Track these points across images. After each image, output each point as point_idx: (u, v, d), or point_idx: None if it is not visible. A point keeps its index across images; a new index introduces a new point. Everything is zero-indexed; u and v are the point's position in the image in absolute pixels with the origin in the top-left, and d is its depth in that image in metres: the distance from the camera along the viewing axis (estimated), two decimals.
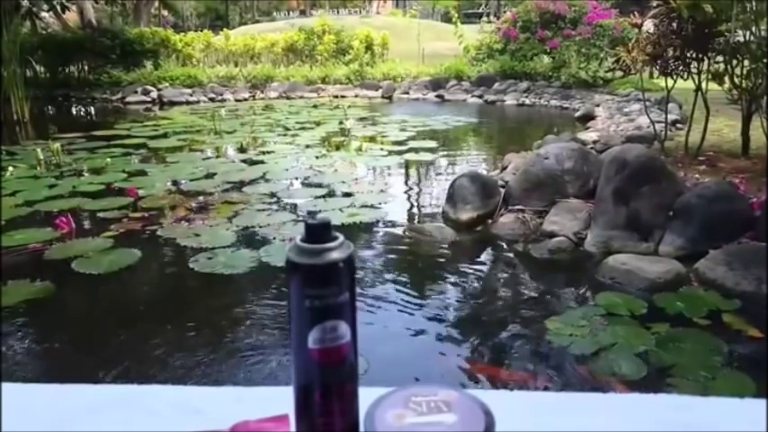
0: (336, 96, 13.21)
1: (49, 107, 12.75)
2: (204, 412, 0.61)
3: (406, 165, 6.35)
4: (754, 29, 4.77)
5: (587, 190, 4.13)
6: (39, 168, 5.93)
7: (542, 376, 2.37)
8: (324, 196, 4.93)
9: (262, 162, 6.38)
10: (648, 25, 5.50)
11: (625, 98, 9.63)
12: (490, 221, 4.16)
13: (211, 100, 12.80)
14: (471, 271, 3.47)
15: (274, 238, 3.87)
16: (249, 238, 3.90)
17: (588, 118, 9.12)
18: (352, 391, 0.51)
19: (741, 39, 4.83)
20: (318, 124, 9.21)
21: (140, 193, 4.96)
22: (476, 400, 0.50)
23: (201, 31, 17.05)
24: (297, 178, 5.71)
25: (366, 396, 0.51)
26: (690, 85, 5.19)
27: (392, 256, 3.74)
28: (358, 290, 0.50)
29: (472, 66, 13.72)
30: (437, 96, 12.91)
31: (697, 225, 3.36)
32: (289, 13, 29.86)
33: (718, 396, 0.64)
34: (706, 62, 5.09)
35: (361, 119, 9.76)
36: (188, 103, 12.53)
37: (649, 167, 3.71)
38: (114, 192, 5.14)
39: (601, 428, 0.58)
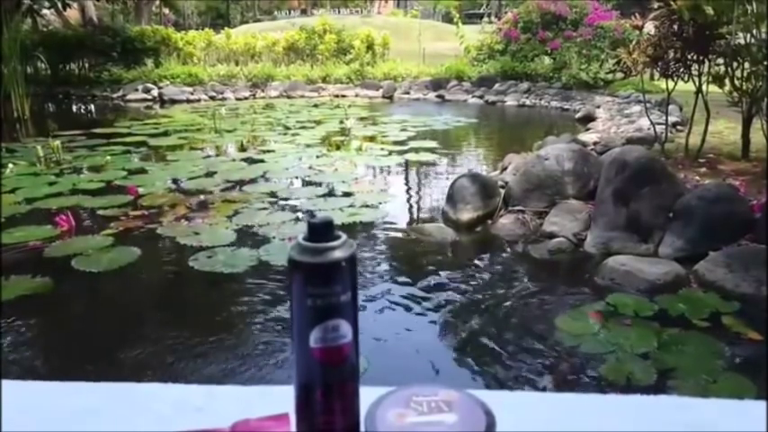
0: (337, 96, 13.21)
1: (50, 104, 12.75)
2: (205, 410, 0.61)
3: (407, 165, 6.36)
4: (754, 31, 4.77)
5: (587, 191, 4.13)
6: (39, 166, 5.93)
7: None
8: (324, 196, 4.93)
9: (262, 161, 6.38)
10: (649, 27, 5.50)
11: (625, 100, 9.63)
12: (490, 222, 4.17)
13: (212, 98, 12.81)
14: (471, 271, 3.47)
15: (274, 237, 3.87)
16: (249, 237, 3.90)
17: (589, 119, 9.12)
18: (354, 390, 0.51)
19: (742, 41, 4.83)
20: (319, 123, 9.21)
21: (140, 191, 4.96)
22: (476, 399, 0.50)
23: (202, 29, 17.08)
24: (297, 177, 5.72)
25: (367, 395, 0.51)
26: (690, 87, 5.19)
27: (392, 255, 3.74)
28: (358, 289, 0.50)
29: (473, 66, 13.72)
30: (438, 96, 12.92)
31: (697, 227, 3.36)
32: (290, 13, 29.86)
33: (718, 397, 0.64)
34: (707, 64, 5.09)
35: (362, 118, 9.77)
36: (189, 101, 12.53)
37: (649, 169, 3.71)
38: (114, 190, 5.14)
39: (601, 428, 0.58)
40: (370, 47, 15.23)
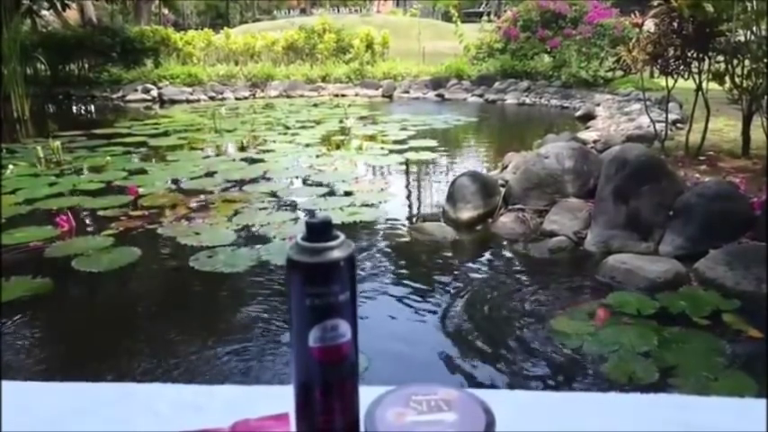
0: (337, 95, 13.20)
1: (50, 105, 12.75)
2: (205, 410, 0.61)
3: (407, 164, 6.35)
4: (754, 28, 4.77)
5: (587, 189, 4.13)
6: (39, 166, 5.94)
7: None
8: (324, 195, 4.93)
9: (262, 161, 6.38)
10: (649, 24, 5.49)
11: (625, 98, 9.63)
12: (490, 221, 4.16)
13: (212, 98, 12.80)
14: (472, 270, 3.47)
15: (274, 237, 3.87)
16: (249, 237, 3.90)
17: (588, 117, 9.12)
18: (353, 389, 0.51)
19: (742, 38, 4.83)
20: (319, 123, 9.20)
21: (140, 191, 4.96)
22: (476, 398, 0.50)
23: (202, 29, 17.05)
24: (297, 177, 5.71)
25: (366, 394, 0.51)
26: (690, 84, 5.18)
27: (392, 254, 3.74)
28: (357, 288, 0.51)
29: (473, 65, 13.70)
30: (437, 95, 12.90)
31: (697, 225, 3.36)
32: (289, 12, 29.84)
33: (719, 395, 0.64)
34: (707, 62, 5.09)
35: (362, 118, 9.76)
36: (188, 101, 12.53)
37: (649, 167, 3.71)
38: (114, 190, 5.15)
39: (601, 428, 0.58)
40: (369, 46, 15.20)
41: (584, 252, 3.61)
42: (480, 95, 12.47)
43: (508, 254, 3.76)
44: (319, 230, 0.49)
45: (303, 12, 28.94)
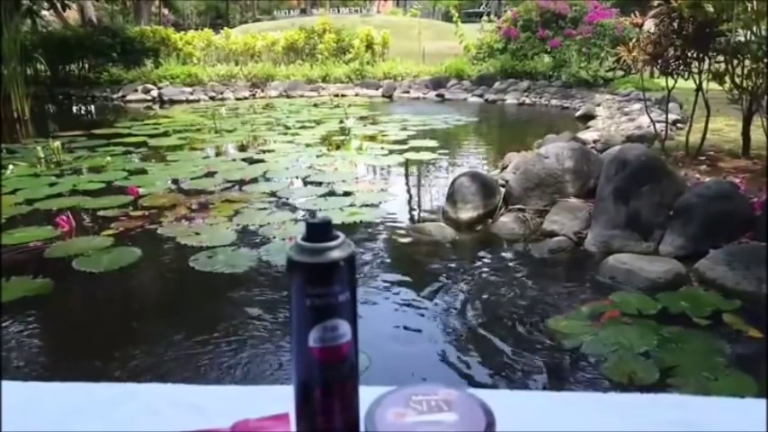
0: (337, 95, 13.20)
1: (50, 105, 12.75)
2: (205, 410, 0.61)
3: (407, 164, 6.35)
4: (755, 28, 4.77)
5: (588, 189, 4.13)
6: (39, 166, 5.94)
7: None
8: (324, 195, 4.93)
9: (262, 161, 6.38)
10: (649, 25, 5.49)
11: (626, 98, 9.63)
12: (490, 221, 4.16)
13: (212, 98, 12.79)
14: (472, 270, 3.46)
15: (274, 237, 3.87)
16: (249, 237, 3.90)
17: (589, 117, 9.12)
18: (353, 389, 0.51)
19: (742, 38, 4.83)
20: (319, 123, 9.20)
21: (141, 191, 4.96)
22: (476, 399, 0.50)
23: (202, 29, 17.04)
24: (297, 177, 5.71)
25: (367, 395, 0.51)
26: (690, 84, 5.18)
27: (393, 255, 3.74)
28: (357, 289, 0.51)
29: (473, 65, 13.70)
30: (437, 95, 12.90)
31: (697, 225, 3.36)
32: (289, 12, 29.85)
33: (718, 396, 0.64)
34: (707, 62, 5.09)
35: (362, 118, 9.76)
36: (188, 101, 12.52)
37: (650, 167, 3.71)
38: (114, 190, 5.14)
39: (601, 428, 0.58)
40: (369, 46, 15.20)
41: (585, 252, 3.61)
42: (480, 95, 12.46)
43: (508, 254, 3.76)
44: (319, 231, 0.49)
45: (303, 12, 28.95)
